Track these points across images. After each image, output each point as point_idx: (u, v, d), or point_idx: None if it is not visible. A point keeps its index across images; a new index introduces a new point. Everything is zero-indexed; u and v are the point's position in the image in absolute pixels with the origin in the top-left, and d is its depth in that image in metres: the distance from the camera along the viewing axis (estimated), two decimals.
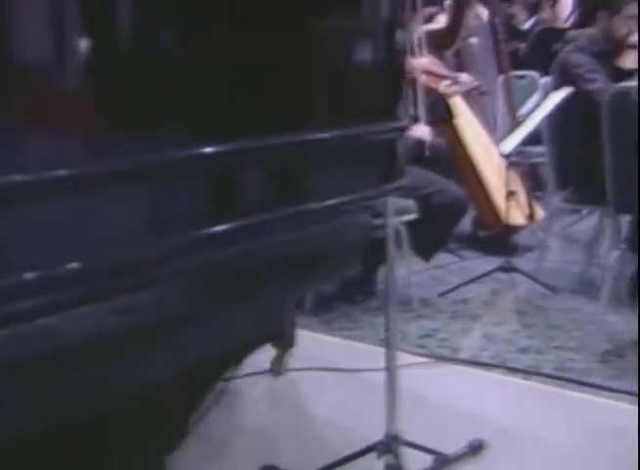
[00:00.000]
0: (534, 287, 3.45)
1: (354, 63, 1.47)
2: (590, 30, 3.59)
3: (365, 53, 1.47)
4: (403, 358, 2.61)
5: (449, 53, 4.11)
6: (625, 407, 2.35)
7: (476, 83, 3.60)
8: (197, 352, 1.26)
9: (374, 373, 2.41)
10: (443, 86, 3.39)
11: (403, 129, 1.54)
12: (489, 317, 3.19)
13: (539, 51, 4.55)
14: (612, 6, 3.36)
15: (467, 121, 4.00)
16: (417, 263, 3.58)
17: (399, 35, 1.49)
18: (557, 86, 3.31)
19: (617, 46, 3.27)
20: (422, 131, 3.43)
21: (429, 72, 3.36)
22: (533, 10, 5.14)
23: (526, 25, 5.03)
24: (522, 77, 4.50)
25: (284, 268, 1.39)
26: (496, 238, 3.94)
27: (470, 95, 4.08)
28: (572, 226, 4.34)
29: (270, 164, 1.34)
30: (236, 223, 1.25)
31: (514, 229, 4.03)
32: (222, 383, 2.15)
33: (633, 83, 2.47)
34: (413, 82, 3.29)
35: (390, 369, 1.78)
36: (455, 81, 3.39)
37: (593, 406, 2.38)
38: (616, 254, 2.71)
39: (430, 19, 4.24)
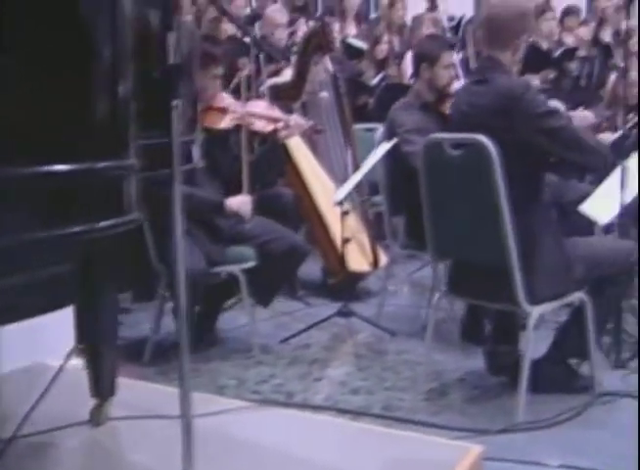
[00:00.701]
0: (375, 331, 3.56)
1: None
2: (416, 85, 3.82)
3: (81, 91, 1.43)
4: (231, 404, 2.63)
5: (296, 106, 4.24)
6: (447, 442, 2.44)
7: (310, 123, 3.69)
8: None
9: (198, 419, 2.41)
10: (278, 129, 3.41)
11: (130, 168, 1.50)
12: (327, 362, 3.25)
13: (386, 105, 4.74)
14: (431, 57, 3.59)
15: (309, 167, 4.12)
16: (263, 311, 3.63)
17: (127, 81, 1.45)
18: (386, 139, 3.49)
19: (441, 95, 3.48)
20: (242, 203, 3.28)
21: (259, 116, 3.41)
22: (381, 66, 5.39)
23: (374, 81, 5.27)
24: (370, 130, 4.70)
25: None
26: (344, 284, 4.04)
27: (314, 142, 4.23)
28: (419, 271, 4.51)
29: None
30: None
31: (360, 275, 4.16)
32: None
33: (446, 135, 2.63)
34: (240, 127, 3.32)
35: (186, 414, 1.79)
36: (287, 124, 3.44)
37: (417, 443, 2.46)
38: (437, 296, 2.83)
39: (276, 72, 4.37)
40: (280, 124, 3.41)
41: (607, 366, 2.97)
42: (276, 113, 3.52)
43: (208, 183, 3.26)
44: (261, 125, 3.40)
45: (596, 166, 2.58)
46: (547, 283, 2.51)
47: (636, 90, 4.24)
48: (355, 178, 3.47)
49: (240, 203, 3.24)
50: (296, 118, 3.50)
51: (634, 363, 3.01)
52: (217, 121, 3.31)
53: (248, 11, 4.98)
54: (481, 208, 2.47)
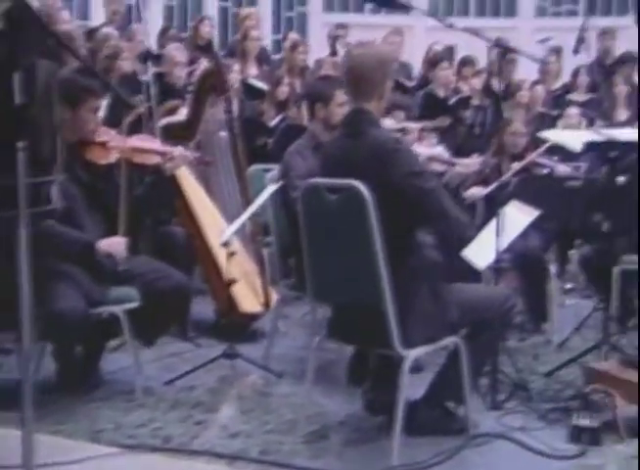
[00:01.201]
0: (263, 373, 3.54)
1: None
2: (311, 125, 3.88)
3: None
4: (99, 450, 2.56)
5: (191, 145, 4.23)
6: None
7: (196, 154, 3.67)
8: None
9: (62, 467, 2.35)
10: (162, 161, 3.35)
11: None
12: (210, 404, 3.20)
13: (285, 146, 4.78)
14: (325, 97, 3.67)
15: (200, 204, 4.10)
16: (150, 353, 3.56)
17: None
18: (278, 181, 3.52)
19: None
20: (115, 244, 3.19)
21: (142, 149, 3.37)
22: (282, 108, 5.46)
23: (274, 122, 5.33)
24: (268, 170, 4.73)
25: None
26: (235, 325, 4.01)
27: (208, 182, 4.23)
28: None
29: None
30: None
31: (252, 316, 4.14)
32: None
33: (323, 180, 2.66)
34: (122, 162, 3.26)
35: (27, 464, 1.73)
36: (172, 156, 3.39)
37: None
38: (317, 339, 2.84)
39: (171, 111, 4.36)
40: (164, 157, 3.37)
41: (483, 408, 3.05)
42: (159, 145, 3.49)
43: (90, 221, 3.19)
44: (144, 158, 3.35)
45: (458, 238, 2.61)
46: (421, 327, 2.56)
47: (520, 140, 4.43)
48: (241, 219, 3.47)
49: (112, 244, 3.17)
50: (180, 150, 3.46)
51: (510, 404, 3.09)
52: (99, 156, 3.26)
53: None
54: (357, 252, 2.51)
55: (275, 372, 3.50)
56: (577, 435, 2.73)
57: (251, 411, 3.13)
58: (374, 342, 2.62)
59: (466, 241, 2.61)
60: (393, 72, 2.70)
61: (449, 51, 7.60)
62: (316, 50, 7.90)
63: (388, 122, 4.02)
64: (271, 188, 3.36)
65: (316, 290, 2.72)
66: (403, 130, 3.85)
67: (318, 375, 3.29)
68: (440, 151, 4.54)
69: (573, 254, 5.33)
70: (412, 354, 2.55)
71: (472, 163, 4.18)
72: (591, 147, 3.24)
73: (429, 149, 4.43)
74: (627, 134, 3.37)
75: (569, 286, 5.37)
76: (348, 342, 2.87)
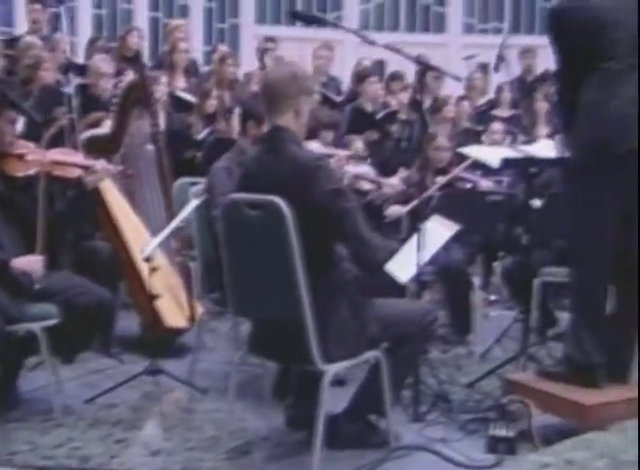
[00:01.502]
0: (188, 389, 3.50)
1: None
2: (241, 141, 3.89)
3: None
4: None
5: (115, 158, 4.18)
6: None
7: (119, 168, 3.62)
8: None
9: None
10: (83, 175, 3.29)
11: None
12: (132, 422, 3.15)
13: (214, 159, 4.77)
14: (259, 116, 3.67)
15: (124, 218, 4.05)
16: (71, 370, 3.49)
17: None
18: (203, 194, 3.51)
19: None
20: (31, 262, 3.11)
21: (62, 162, 3.31)
22: (210, 121, 5.44)
23: (202, 135, 5.30)
24: (195, 184, 4.70)
25: None
26: (161, 340, 3.96)
27: (133, 196, 4.18)
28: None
29: None
30: None
31: (178, 331, 4.10)
32: None
33: (243, 195, 2.66)
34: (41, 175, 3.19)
35: None
36: (93, 169, 3.33)
37: None
38: (239, 355, 2.84)
39: (95, 123, 4.29)
40: (86, 170, 3.32)
41: (405, 420, 3.08)
42: (81, 158, 3.43)
43: (7, 235, 3.12)
44: (65, 172, 3.29)
45: (370, 260, 2.62)
46: (341, 342, 2.58)
47: (444, 154, 4.52)
48: (163, 234, 3.45)
49: (28, 262, 3.10)
50: (102, 163, 3.41)
51: (431, 416, 3.14)
52: (16, 169, 3.18)
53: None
54: (277, 268, 2.52)
55: (199, 388, 3.47)
56: (494, 445, 2.78)
57: (174, 428, 3.09)
58: (294, 357, 2.63)
59: (378, 264, 2.63)
60: (310, 90, 2.71)
61: (379, 65, 7.71)
62: (248, 62, 7.92)
63: (315, 146, 4.05)
64: (194, 203, 3.35)
65: (237, 305, 2.72)
66: (331, 156, 3.87)
67: (243, 390, 3.29)
68: (367, 170, 4.60)
69: (497, 266, 5.46)
70: (332, 369, 2.57)
71: (397, 184, 4.24)
72: (509, 163, 3.32)
73: (356, 167, 4.47)
74: (544, 151, 3.48)
75: (493, 298, 5.49)
76: (269, 357, 2.87)
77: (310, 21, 3.03)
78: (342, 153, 4.21)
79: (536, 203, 3.87)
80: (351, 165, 4.38)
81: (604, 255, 2.90)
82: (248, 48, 8.51)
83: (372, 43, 3.08)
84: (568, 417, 2.84)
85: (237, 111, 5.45)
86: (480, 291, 5.18)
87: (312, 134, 4.65)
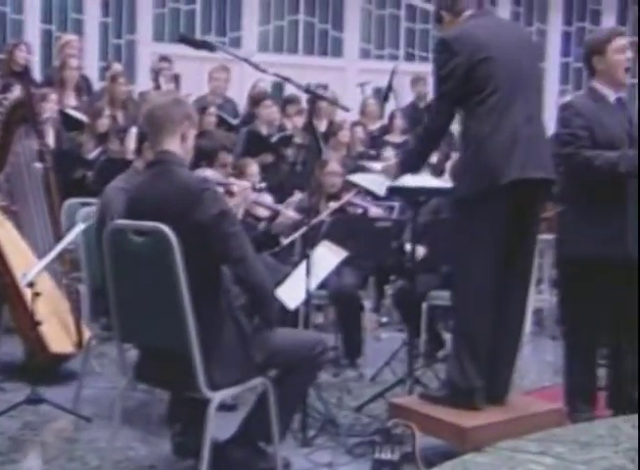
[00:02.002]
0: (72, 417, 3.40)
1: None
2: (136, 162, 3.83)
3: None
4: None
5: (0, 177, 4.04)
6: None
7: (2, 203, 3.52)
8: None
9: None
10: None
11: None
12: (9, 454, 3.02)
13: (105, 179, 4.67)
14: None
15: (8, 241, 3.92)
16: None
17: None
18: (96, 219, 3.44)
19: None
20: None
21: None
22: (102, 140, 5.34)
23: (93, 155, 5.20)
24: (86, 204, 4.59)
25: None
26: (45, 367, 3.84)
27: (18, 218, 4.05)
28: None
29: None
30: None
31: (64, 357, 3.98)
32: None
33: (129, 222, 2.62)
34: None
35: None
36: None
37: None
38: (125, 382, 2.78)
39: None
40: None
41: (294, 445, 3.10)
42: None
43: None
44: None
45: (253, 282, 2.64)
46: (227, 369, 2.57)
47: (336, 180, 4.60)
48: (47, 258, 3.35)
49: None
50: None
51: (320, 440, 3.17)
52: None
53: None
54: (163, 294, 2.49)
55: (84, 416, 3.38)
56: (379, 468, 2.83)
57: (54, 459, 2.99)
58: (180, 384, 2.60)
59: (263, 288, 2.65)
60: (193, 117, 2.71)
61: (279, 87, 7.78)
62: (145, 80, 7.81)
63: (210, 173, 4.03)
64: (81, 226, 3.27)
65: (123, 331, 2.67)
66: (226, 185, 3.87)
67: (130, 418, 3.23)
68: (265, 196, 4.62)
69: (389, 289, 5.58)
70: (218, 397, 2.55)
71: (291, 216, 4.27)
72: (395, 192, 3.41)
73: (255, 194, 4.48)
74: (430, 181, 3.59)
75: (384, 320, 5.61)
76: (156, 384, 2.83)
77: (198, 46, 3.01)
78: (243, 183, 4.20)
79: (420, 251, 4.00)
80: (252, 193, 4.38)
81: (486, 282, 3.00)
82: (145, 65, 8.41)
83: (263, 71, 3.11)
84: (448, 439, 2.93)
85: (133, 131, 5.38)
86: (372, 313, 5.30)
87: (211, 156, 4.65)
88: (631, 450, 2.67)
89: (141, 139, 3.90)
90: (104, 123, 5.38)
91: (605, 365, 3.43)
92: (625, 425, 2.98)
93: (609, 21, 9.46)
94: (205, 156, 4.69)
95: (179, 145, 2.64)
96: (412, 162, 3.21)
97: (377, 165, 3.59)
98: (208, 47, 2.92)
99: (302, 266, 3.24)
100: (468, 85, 2.97)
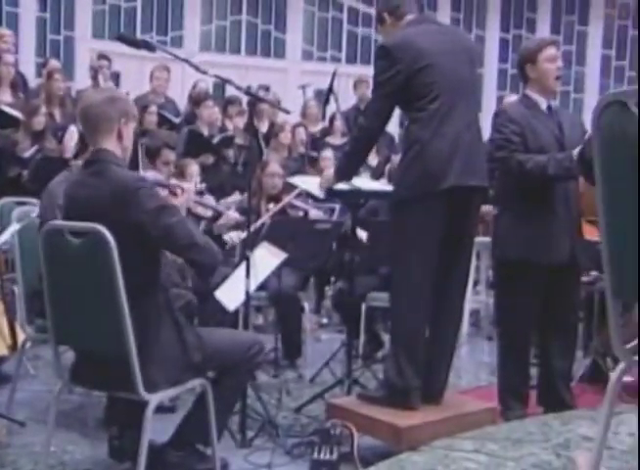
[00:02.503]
0: (5, 421, 3.33)
1: None
2: (78, 163, 3.79)
3: None
4: None
5: None
6: None
7: None
8: None
9: None
10: None
11: None
12: None
13: (42, 179, 4.59)
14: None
15: None
16: None
17: None
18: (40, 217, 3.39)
19: None
20: None
21: None
22: (38, 138, 5.24)
23: (28, 153, 5.09)
24: (22, 203, 4.50)
25: None
26: None
27: None
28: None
29: None
30: None
31: None
32: None
33: (65, 223, 2.59)
34: None
35: None
36: None
37: None
38: (59, 385, 2.74)
39: None
40: None
41: (233, 446, 3.10)
42: None
43: None
44: None
45: (210, 264, 2.67)
46: (164, 371, 2.55)
47: (277, 181, 4.61)
48: None
49: None
50: None
51: (259, 441, 3.18)
52: None
53: None
54: (100, 296, 2.47)
55: (17, 420, 3.31)
56: (317, 468, 2.86)
57: None
58: (118, 386, 2.57)
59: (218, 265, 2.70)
60: (130, 113, 2.68)
61: (220, 88, 7.75)
62: (83, 78, 7.69)
63: (151, 174, 3.99)
64: (16, 226, 3.21)
65: (59, 333, 2.63)
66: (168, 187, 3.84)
67: (65, 421, 3.18)
68: (207, 197, 4.59)
69: (329, 290, 5.63)
70: (155, 398, 2.54)
71: (233, 217, 4.26)
72: (334, 194, 3.44)
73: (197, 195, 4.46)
74: (369, 183, 3.63)
75: (324, 321, 5.65)
76: (93, 387, 2.79)
77: (138, 45, 2.98)
78: (186, 185, 4.17)
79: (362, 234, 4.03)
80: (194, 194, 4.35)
81: (423, 283, 3.05)
82: (83, 63, 8.28)
83: (204, 72, 3.11)
84: (385, 439, 2.97)
85: (72, 129, 5.30)
86: (312, 315, 5.33)
87: (154, 154, 4.61)
88: (559, 446, 2.76)
89: (83, 138, 3.86)
90: (40, 121, 5.27)
91: (536, 364, 3.53)
92: (555, 422, 3.07)
93: (543, 28, 9.73)
94: (147, 154, 4.66)
95: (116, 143, 2.61)
96: (349, 163, 3.24)
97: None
98: (148, 47, 2.90)
99: (242, 268, 3.24)
100: (408, 92, 3.01)
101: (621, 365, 1.77)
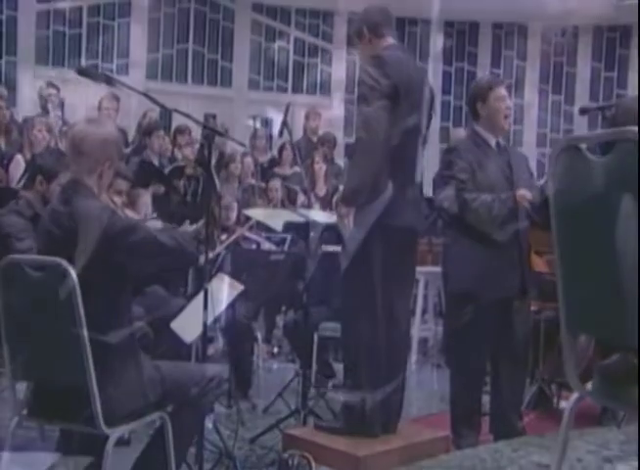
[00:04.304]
0: None
1: None
2: (27, 194, 3.77)
3: None
4: None
5: None
6: None
7: None
8: None
9: None
10: None
11: None
12: None
13: None
14: (48, 173, 3.60)
15: None
16: None
17: None
18: None
19: None
20: None
21: None
22: None
23: None
24: None
25: None
26: None
27: None
28: None
29: None
30: None
31: None
32: None
33: (25, 257, 2.58)
34: None
35: None
36: None
37: None
38: (15, 420, 2.71)
39: None
40: None
41: None
42: None
43: None
44: None
45: (187, 263, 2.74)
46: (123, 404, 2.54)
47: (231, 213, 4.66)
48: None
49: None
50: None
51: None
52: None
53: None
54: (61, 330, 2.46)
55: None
56: None
57: None
58: (76, 420, 2.55)
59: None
60: (115, 159, 2.72)
61: (167, 116, 7.74)
62: (27, 105, 7.60)
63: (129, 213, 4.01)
64: None
65: (16, 368, 2.61)
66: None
67: (18, 457, 3.12)
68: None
69: (280, 319, 5.65)
70: (116, 432, 2.53)
71: (189, 230, 4.27)
72: (290, 227, 3.50)
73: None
74: (321, 216, 3.70)
75: (275, 350, 5.67)
76: (51, 422, 2.76)
77: (99, 79, 3.01)
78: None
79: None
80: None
81: (371, 311, 3.12)
82: (26, 88, 8.18)
83: (162, 106, 3.14)
84: (343, 469, 3.01)
85: (18, 158, 5.24)
86: (263, 344, 5.34)
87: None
88: None
89: (33, 172, 3.83)
90: None
91: (487, 392, 3.63)
92: (507, 449, 3.16)
93: (484, 62, 10.00)
94: None
95: (95, 182, 2.65)
96: (361, 183, 3.07)
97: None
98: (108, 81, 2.93)
99: (198, 299, 3.26)
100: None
101: (575, 395, 1.86)
